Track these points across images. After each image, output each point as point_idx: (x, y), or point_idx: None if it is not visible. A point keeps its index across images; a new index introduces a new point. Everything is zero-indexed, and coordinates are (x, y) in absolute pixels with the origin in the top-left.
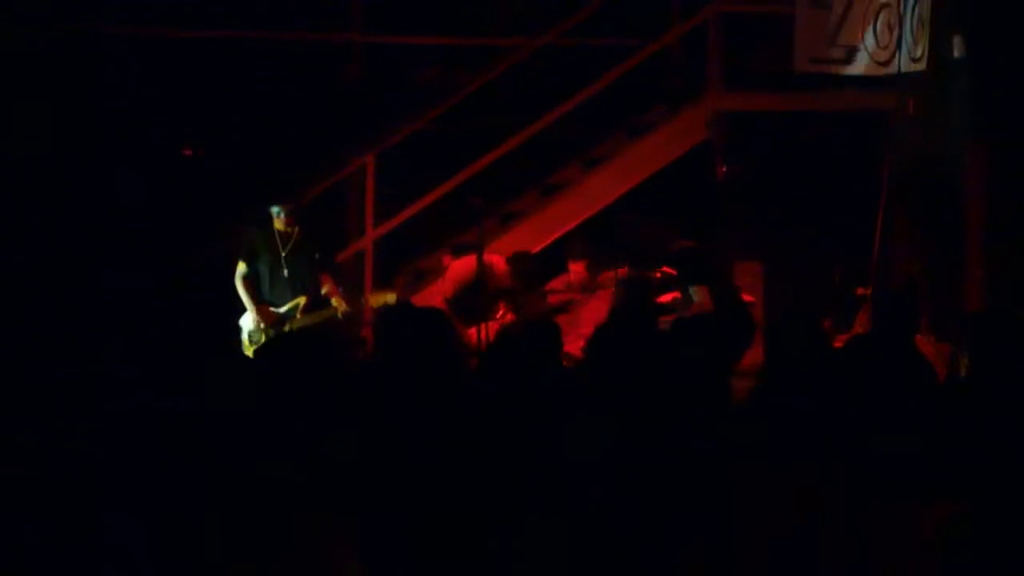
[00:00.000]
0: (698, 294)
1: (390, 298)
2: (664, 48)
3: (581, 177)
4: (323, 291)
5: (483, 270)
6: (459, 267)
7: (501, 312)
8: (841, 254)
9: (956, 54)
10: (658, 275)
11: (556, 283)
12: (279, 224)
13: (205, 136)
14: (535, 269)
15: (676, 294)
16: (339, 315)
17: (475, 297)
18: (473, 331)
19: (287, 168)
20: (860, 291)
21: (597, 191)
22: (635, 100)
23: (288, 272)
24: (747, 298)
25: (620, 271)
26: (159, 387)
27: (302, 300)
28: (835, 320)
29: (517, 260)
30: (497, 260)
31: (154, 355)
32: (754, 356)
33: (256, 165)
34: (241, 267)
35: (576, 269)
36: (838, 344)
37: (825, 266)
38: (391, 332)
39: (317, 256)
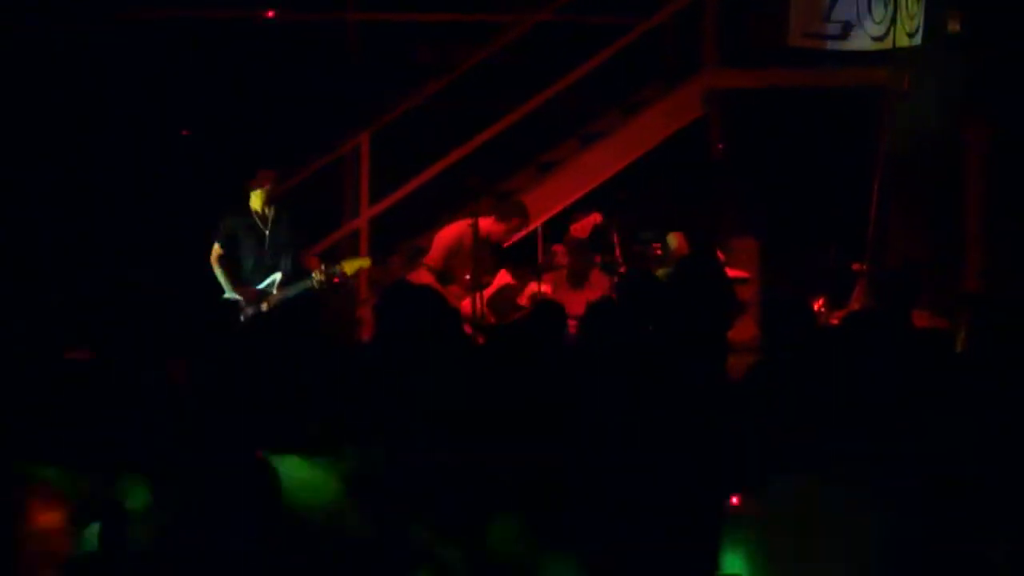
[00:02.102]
0: (674, 241)
1: (364, 263)
2: (659, 25)
3: (577, 154)
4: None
5: (477, 239)
6: (446, 235)
7: (499, 276)
8: (837, 231)
9: (951, 29)
10: (658, 251)
11: (557, 248)
12: (256, 203)
13: (200, 116)
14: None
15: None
16: (315, 285)
17: (467, 264)
18: (467, 301)
19: (283, 147)
20: (856, 267)
21: (593, 168)
22: (631, 77)
23: (270, 252)
24: (743, 274)
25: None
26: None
27: (278, 276)
28: (830, 297)
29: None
30: (483, 223)
31: (151, 336)
32: (743, 332)
33: (252, 144)
34: (217, 249)
35: (577, 227)
36: (834, 321)
37: (821, 243)
38: (389, 311)
39: (294, 233)
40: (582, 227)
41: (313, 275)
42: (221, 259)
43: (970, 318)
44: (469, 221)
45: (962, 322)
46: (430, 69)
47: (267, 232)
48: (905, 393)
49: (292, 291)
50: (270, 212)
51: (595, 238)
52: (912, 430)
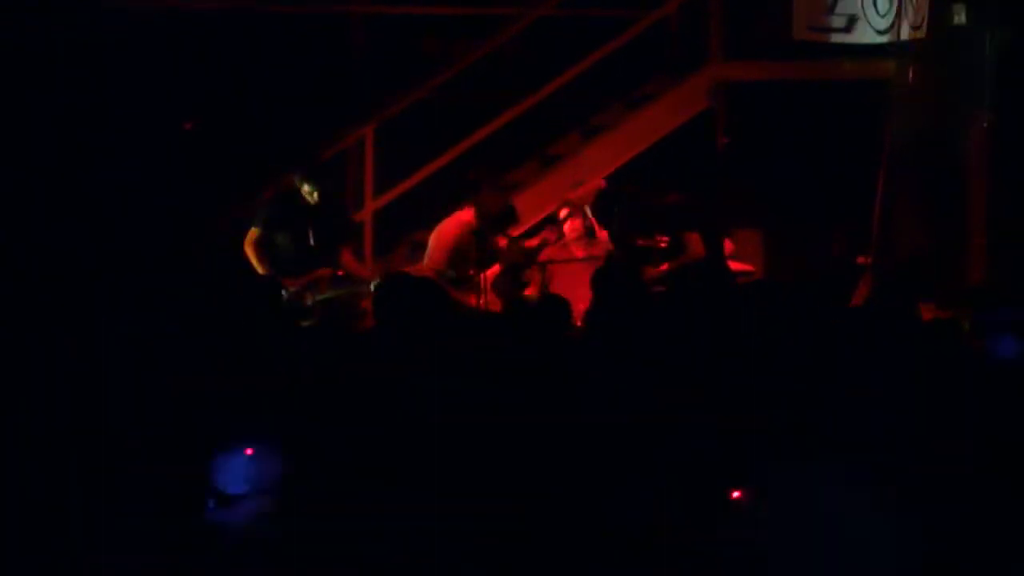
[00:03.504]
0: (690, 241)
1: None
2: (664, 17)
3: (581, 147)
4: (347, 264)
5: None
6: (444, 237)
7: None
8: (842, 223)
9: (957, 21)
10: (662, 244)
11: (547, 233)
12: (304, 192)
13: (204, 109)
14: (503, 212)
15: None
16: (371, 287)
17: (471, 258)
18: (473, 297)
19: (287, 140)
20: (861, 260)
21: (597, 161)
22: (635, 70)
23: (314, 242)
24: (747, 267)
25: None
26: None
27: (326, 272)
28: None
29: (483, 202)
30: (466, 215)
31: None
32: None
33: (256, 137)
34: (254, 233)
35: (573, 225)
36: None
37: (825, 235)
38: (388, 302)
39: (339, 224)
40: (585, 194)
41: (372, 282)
42: (257, 244)
43: (974, 311)
44: (457, 216)
45: (966, 316)
46: (434, 62)
47: (310, 220)
48: (911, 384)
49: (343, 291)
50: (315, 199)
51: (601, 205)
52: (917, 422)
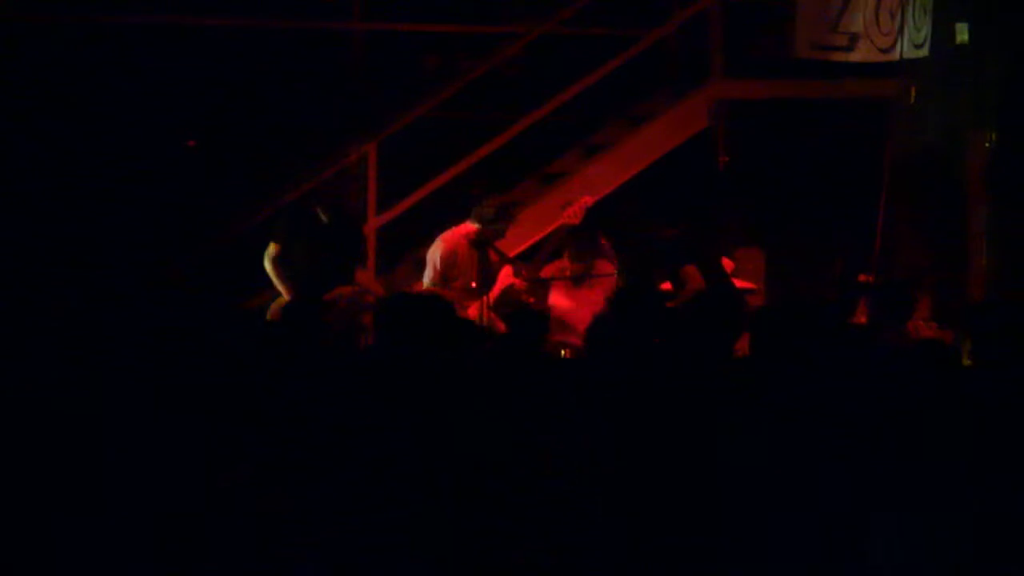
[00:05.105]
0: (688, 275)
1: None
2: (665, 36)
3: (581, 165)
4: (361, 283)
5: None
6: (448, 241)
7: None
8: (843, 241)
9: (958, 40)
10: (669, 234)
11: (551, 268)
12: (321, 207)
13: (206, 125)
14: (498, 210)
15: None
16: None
17: (468, 273)
18: (474, 308)
19: (289, 156)
20: (862, 279)
21: (597, 180)
22: (636, 88)
23: (331, 257)
24: (749, 285)
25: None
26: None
27: (346, 290)
28: (836, 308)
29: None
30: (467, 228)
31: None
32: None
33: (256, 155)
34: (272, 249)
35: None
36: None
37: (827, 254)
38: (392, 319)
39: (354, 243)
40: (574, 212)
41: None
42: (276, 260)
43: (974, 329)
44: (454, 231)
45: (967, 333)
46: (436, 79)
47: (328, 235)
48: (903, 404)
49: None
50: (332, 214)
51: (591, 223)
52: (910, 442)
